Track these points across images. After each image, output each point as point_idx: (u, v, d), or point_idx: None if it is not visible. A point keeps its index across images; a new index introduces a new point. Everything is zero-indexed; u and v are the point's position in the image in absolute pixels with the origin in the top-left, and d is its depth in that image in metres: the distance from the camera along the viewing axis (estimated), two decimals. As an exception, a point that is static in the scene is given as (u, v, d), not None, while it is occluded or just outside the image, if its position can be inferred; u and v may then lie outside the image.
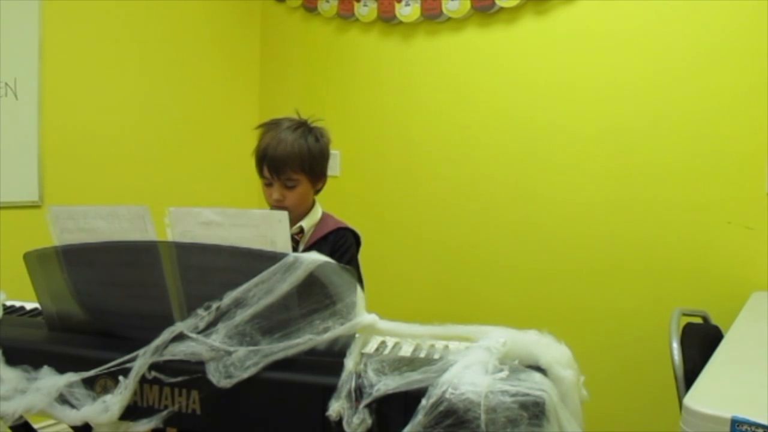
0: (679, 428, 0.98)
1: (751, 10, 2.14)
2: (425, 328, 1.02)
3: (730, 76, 2.19)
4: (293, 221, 1.68)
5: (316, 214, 1.73)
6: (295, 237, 1.68)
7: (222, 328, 1.02)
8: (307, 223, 1.70)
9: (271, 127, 1.68)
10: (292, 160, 1.62)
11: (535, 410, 0.85)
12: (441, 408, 0.86)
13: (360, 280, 1.67)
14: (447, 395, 0.87)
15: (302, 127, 1.68)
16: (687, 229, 2.27)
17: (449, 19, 2.75)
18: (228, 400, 0.99)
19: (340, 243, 1.70)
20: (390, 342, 1.14)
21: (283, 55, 3.32)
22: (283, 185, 1.64)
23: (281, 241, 1.07)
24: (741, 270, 2.17)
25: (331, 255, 1.62)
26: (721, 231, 2.21)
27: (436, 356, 1.03)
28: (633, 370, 2.35)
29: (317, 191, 1.74)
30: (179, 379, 1.00)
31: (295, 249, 1.61)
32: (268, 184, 1.67)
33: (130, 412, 1.02)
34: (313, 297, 1.01)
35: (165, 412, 1.02)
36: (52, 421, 2.05)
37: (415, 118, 2.89)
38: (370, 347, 1.10)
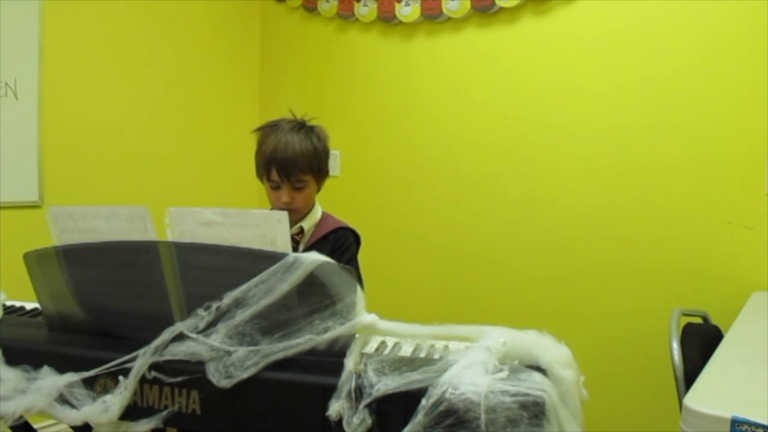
0: (679, 428, 0.98)
1: (751, 10, 2.14)
2: (425, 328, 1.02)
3: (730, 76, 2.19)
4: (294, 222, 1.67)
5: (316, 214, 1.73)
6: (295, 237, 1.68)
7: (222, 328, 1.02)
8: (307, 224, 1.70)
9: (271, 129, 1.66)
10: (302, 161, 1.61)
11: (535, 410, 0.85)
12: (441, 408, 0.86)
13: (360, 280, 1.67)
14: (447, 395, 0.87)
15: (303, 127, 1.67)
16: (687, 229, 2.27)
17: (449, 19, 2.75)
18: (228, 400, 0.99)
19: (340, 242, 1.70)
20: (390, 342, 1.13)
21: (283, 55, 3.32)
22: (292, 187, 1.63)
23: (281, 241, 1.07)
24: (741, 270, 2.17)
25: (331, 255, 1.62)
26: (721, 231, 2.21)
27: (436, 356, 1.03)
28: (633, 370, 2.35)
29: (318, 190, 1.74)
30: (179, 379, 1.00)
31: (295, 249, 1.60)
32: (275, 188, 1.65)
33: (130, 412, 1.02)
34: (313, 297, 1.01)
35: (165, 412, 1.02)
36: (52, 421, 2.05)
37: (415, 118, 2.89)
38: (370, 347, 1.10)
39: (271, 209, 1.65)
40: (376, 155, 3.00)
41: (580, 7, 2.47)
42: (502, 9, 2.62)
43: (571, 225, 2.51)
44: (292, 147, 1.61)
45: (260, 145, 1.66)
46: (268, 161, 1.62)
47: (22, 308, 1.40)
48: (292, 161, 1.60)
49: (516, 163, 2.63)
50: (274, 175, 1.62)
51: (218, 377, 0.98)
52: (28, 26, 2.47)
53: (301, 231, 1.69)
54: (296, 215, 1.66)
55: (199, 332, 1.02)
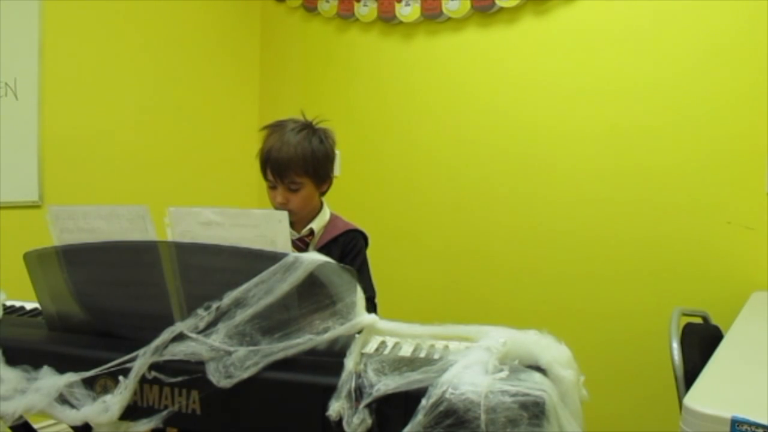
0: (679, 428, 0.98)
1: (751, 10, 2.14)
2: (425, 328, 1.02)
3: (730, 76, 2.19)
4: (302, 223, 1.67)
5: (324, 215, 1.72)
6: (305, 239, 1.67)
7: (222, 328, 1.01)
8: (317, 225, 1.69)
9: (275, 129, 1.66)
10: (296, 163, 1.60)
11: (535, 410, 0.85)
12: (441, 408, 0.86)
13: (370, 281, 1.67)
14: (447, 395, 0.87)
15: (307, 128, 1.66)
16: (687, 229, 2.27)
17: (449, 19, 2.75)
18: (228, 400, 0.99)
19: (351, 245, 1.69)
20: (390, 342, 1.13)
21: (283, 55, 3.32)
22: (286, 188, 1.62)
23: (281, 241, 1.07)
24: (741, 270, 2.17)
25: (341, 257, 1.62)
26: (721, 231, 2.21)
27: (436, 356, 1.02)
28: (633, 370, 2.35)
29: (323, 193, 1.73)
30: (179, 379, 1.00)
31: (304, 250, 1.60)
32: (272, 187, 1.65)
33: (130, 412, 1.02)
34: (313, 297, 1.01)
35: (165, 412, 1.01)
36: (52, 421, 2.05)
37: (414, 118, 2.89)
38: (370, 347, 1.10)
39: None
40: (376, 155, 3.00)
41: (580, 7, 2.47)
42: (502, 9, 2.62)
43: (571, 225, 2.51)
44: (288, 148, 1.60)
45: (262, 143, 1.67)
46: (263, 161, 1.63)
47: (22, 308, 1.40)
48: (286, 162, 1.60)
49: (516, 163, 2.63)
50: (269, 175, 1.63)
51: (218, 377, 0.98)
52: (28, 26, 2.47)
53: (311, 233, 1.68)
54: (296, 216, 1.66)
55: (199, 332, 1.02)
